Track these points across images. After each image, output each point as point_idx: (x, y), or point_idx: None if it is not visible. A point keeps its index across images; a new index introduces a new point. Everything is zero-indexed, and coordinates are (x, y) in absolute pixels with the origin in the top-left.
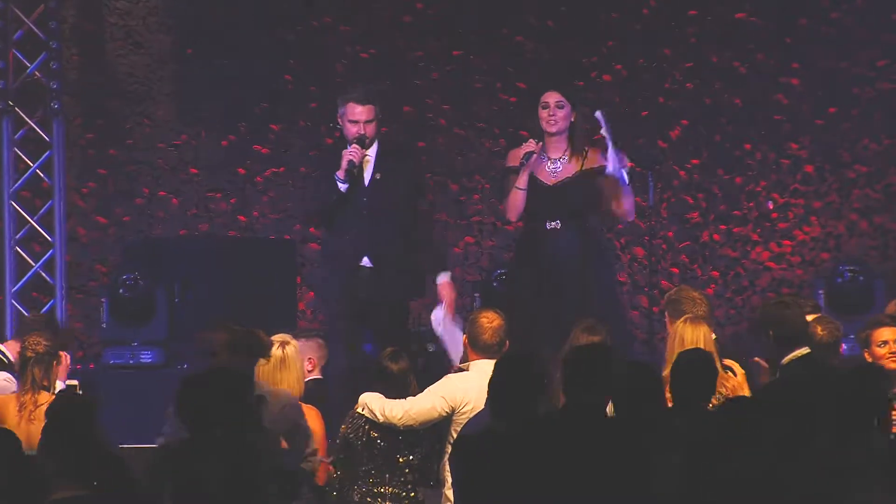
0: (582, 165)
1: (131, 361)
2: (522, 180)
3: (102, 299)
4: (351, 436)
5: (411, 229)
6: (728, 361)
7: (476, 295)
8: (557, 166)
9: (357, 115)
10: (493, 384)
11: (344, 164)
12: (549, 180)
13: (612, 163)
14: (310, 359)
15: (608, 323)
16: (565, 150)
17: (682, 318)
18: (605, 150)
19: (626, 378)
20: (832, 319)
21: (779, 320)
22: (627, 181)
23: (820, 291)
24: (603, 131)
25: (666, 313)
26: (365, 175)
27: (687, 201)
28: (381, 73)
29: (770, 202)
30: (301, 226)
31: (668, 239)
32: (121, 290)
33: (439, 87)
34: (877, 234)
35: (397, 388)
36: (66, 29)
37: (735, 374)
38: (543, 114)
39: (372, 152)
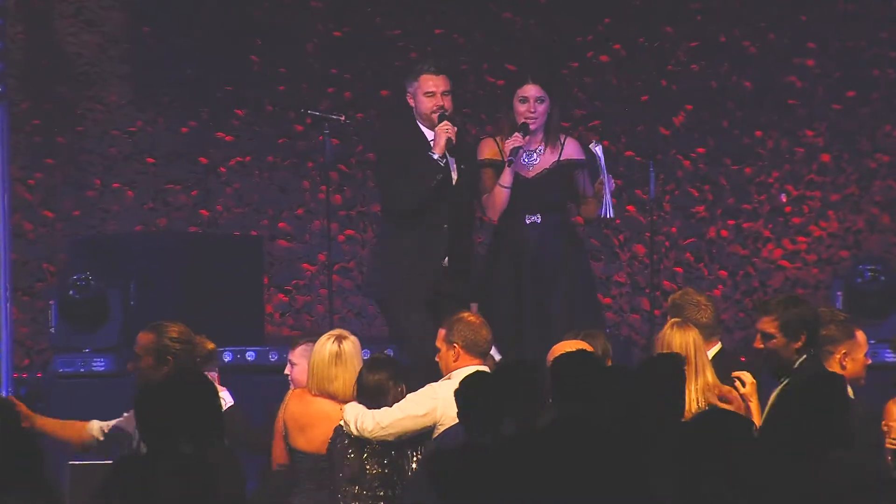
0: (560, 156)
1: (82, 370)
2: (507, 178)
3: (51, 302)
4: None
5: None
6: (736, 373)
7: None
8: (534, 158)
9: (433, 87)
10: (487, 396)
11: (442, 142)
12: (526, 173)
13: (606, 207)
14: None
15: (601, 327)
16: (541, 141)
17: (669, 323)
18: (584, 144)
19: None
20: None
21: (814, 320)
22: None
23: (838, 292)
24: (602, 173)
25: (668, 318)
26: (451, 165)
27: (692, 194)
28: (356, 53)
29: (783, 195)
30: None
31: (670, 235)
32: (71, 292)
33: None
34: None
35: (370, 399)
36: (11, 5)
37: (744, 385)
38: (522, 108)
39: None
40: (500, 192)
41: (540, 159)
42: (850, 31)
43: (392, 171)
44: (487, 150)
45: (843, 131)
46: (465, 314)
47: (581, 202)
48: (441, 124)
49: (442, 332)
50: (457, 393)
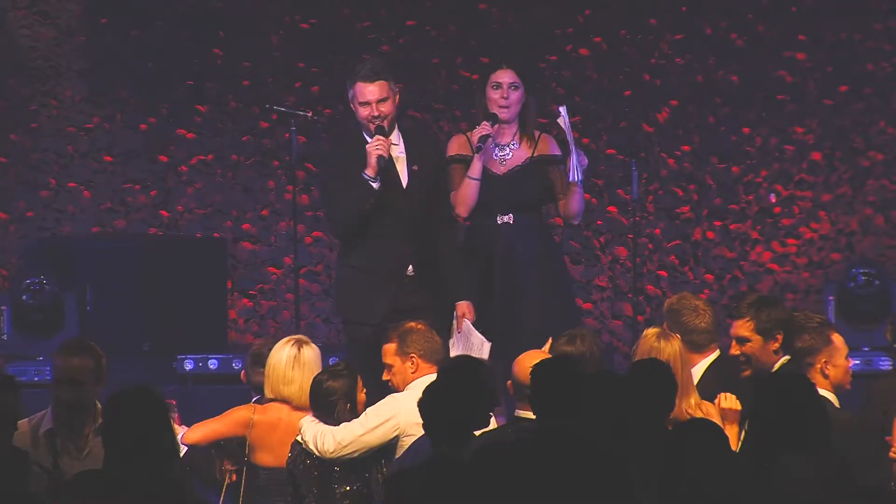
0: (534, 152)
1: (37, 378)
2: (476, 169)
3: (3, 307)
4: (290, 466)
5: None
6: (724, 395)
7: None
8: (507, 153)
9: (368, 95)
10: (442, 402)
11: (372, 161)
12: (498, 169)
13: (573, 170)
14: None
15: (586, 330)
16: (515, 135)
17: (652, 334)
18: (564, 146)
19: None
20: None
21: (788, 319)
22: (581, 180)
23: (830, 297)
24: (566, 134)
25: (665, 325)
26: (400, 169)
27: (676, 194)
28: (324, 45)
29: (772, 195)
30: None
31: (654, 237)
32: (24, 297)
33: (391, 63)
34: (895, 231)
35: (325, 413)
36: None
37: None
38: (495, 95)
39: (396, 139)
40: (469, 185)
41: (513, 154)
42: (842, 23)
43: (329, 189)
44: (456, 145)
45: (835, 128)
46: (411, 324)
47: (558, 200)
48: (372, 141)
49: (391, 346)
50: (421, 403)
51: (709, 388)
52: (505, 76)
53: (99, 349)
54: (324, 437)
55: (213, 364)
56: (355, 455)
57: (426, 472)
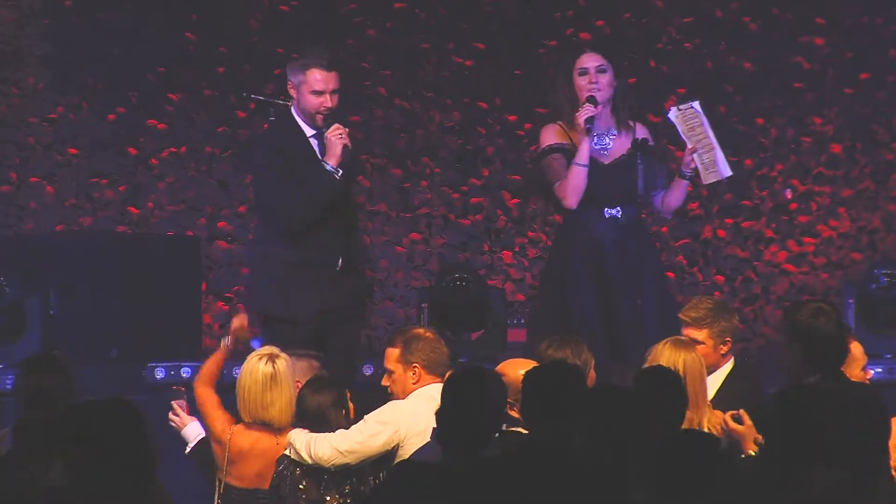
0: (633, 141)
1: None
2: (584, 154)
3: None
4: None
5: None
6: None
7: (423, 305)
8: (607, 143)
9: (322, 85)
10: (451, 410)
11: (338, 150)
12: (602, 159)
13: (722, 165)
14: (298, 382)
15: (583, 336)
16: (611, 124)
17: (663, 342)
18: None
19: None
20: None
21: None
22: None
23: (850, 300)
24: (704, 129)
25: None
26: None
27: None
28: (306, 30)
29: (788, 190)
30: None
31: (661, 235)
32: None
33: (378, 48)
34: None
35: (313, 423)
36: None
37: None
38: (582, 81)
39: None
40: (578, 172)
41: (614, 144)
42: (863, 6)
43: (279, 180)
44: (552, 134)
45: (856, 118)
46: (419, 330)
47: (655, 189)
48: (332, 130)
49: (394, 352)
50: (438, 414)
51: (728, 399)
52: (590, 60)
53: (63, 363)
54: (318, 445)
55: (186, 372)
56: (353, 464)
57: (432, 474)
